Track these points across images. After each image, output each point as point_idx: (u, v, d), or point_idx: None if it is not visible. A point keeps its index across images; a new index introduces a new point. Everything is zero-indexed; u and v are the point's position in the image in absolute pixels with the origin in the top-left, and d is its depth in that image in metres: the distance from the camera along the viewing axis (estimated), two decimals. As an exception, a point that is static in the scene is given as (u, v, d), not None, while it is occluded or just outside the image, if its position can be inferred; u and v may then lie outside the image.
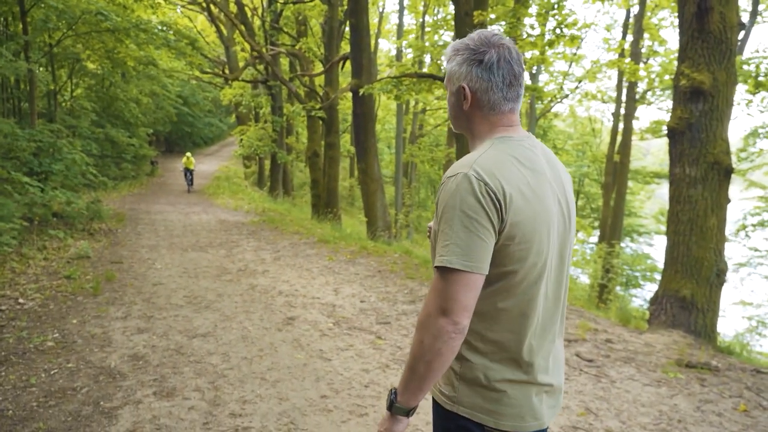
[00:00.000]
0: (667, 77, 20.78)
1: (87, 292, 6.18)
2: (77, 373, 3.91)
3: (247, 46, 22.62)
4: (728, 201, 5.58)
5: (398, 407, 1.39)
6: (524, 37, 10.32)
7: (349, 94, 14.49)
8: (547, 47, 8.92)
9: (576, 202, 31.23)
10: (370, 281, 7.37)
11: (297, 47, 13.16)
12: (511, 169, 1.34)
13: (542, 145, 1.50)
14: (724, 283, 5.62)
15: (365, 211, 11.85)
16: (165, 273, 7.44)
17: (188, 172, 19.51)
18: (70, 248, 8.46)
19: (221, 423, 3.27)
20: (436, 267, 1.32)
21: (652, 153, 37.12)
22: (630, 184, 23.98)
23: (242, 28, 14.13)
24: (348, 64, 13.14)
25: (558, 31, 8.87)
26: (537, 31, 10.63)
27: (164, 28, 13.53)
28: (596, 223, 27.36)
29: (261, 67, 18.72)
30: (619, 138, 18.32)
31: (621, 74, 18.67)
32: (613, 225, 16.75)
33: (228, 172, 25.58)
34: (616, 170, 18.29)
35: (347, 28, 13.48)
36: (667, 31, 36.23)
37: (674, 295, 5.64)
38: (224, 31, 21.10)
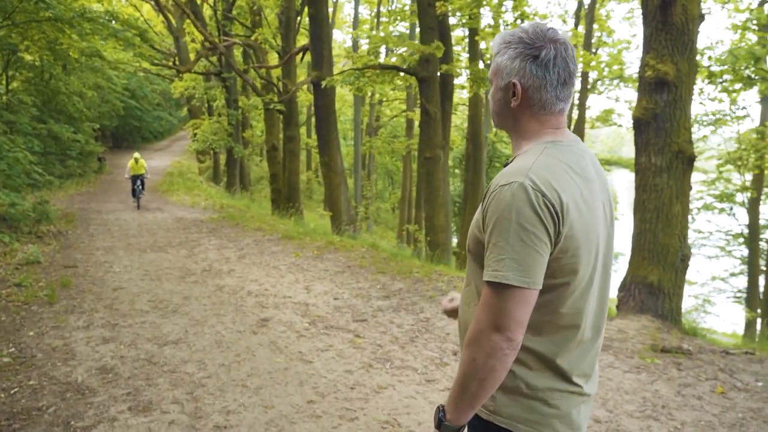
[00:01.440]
0: (616, 67, 21.47)
1: (42, 300, 5.81)
2: (41, 391, 3.65)
3: (199, 37, 21.88)
4: (690, 188, 5.76)
5: (447, 426, 1.33)
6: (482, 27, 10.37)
7: (306, 87, 14.26)
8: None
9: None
10: (341, 277, 7.26)
11: (253, 38, 12.77)
12: (566, 179, 1.27)
13: (587, 148, 1.44)
14: (688, 267, 5.81)
15: (329, 206, 11.69)
16: (125, 276, 7.09)
17: (138, 180, 14.20)
18: (17, 253, 7.94)
19: (206, 437, 3.11)
20: (488, 282, 1.24)
21: (600, 140, 38.35)
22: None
23: (193, 17, 13.59)
24: (306, 55, 12.88)
25: (519, 22, 8.94)
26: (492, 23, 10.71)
27: (110, 18, 12.85)
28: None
29: (214, 59, 18.12)
30: (571, 127, 18.75)
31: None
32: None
33: (181, 168, 24.72)
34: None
35: (305, 19, 13.18)
36: (613, 22, 37.42)
37: (642, 282, 5.79)
38: (173, 21, 20.29)
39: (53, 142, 17.45)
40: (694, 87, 6.25)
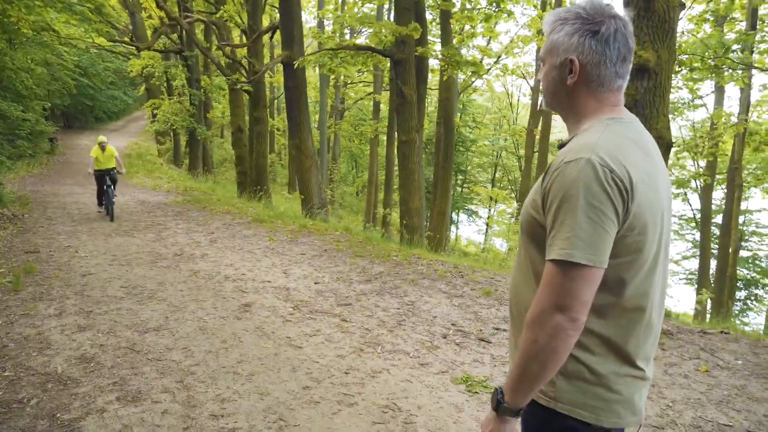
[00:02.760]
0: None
1: (5, 287, 5.49)
2: (18, 383, 3.44)
3: (155, 13, 21.00)
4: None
5: (507, 408, 1.29)
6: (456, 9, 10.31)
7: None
8: (483, 22, 8.95)
9: (494, 175, 32.48)
10: (319, 261, 7.16)
11: (218, 15, 12.31)
12: (633, 155, 1.24)
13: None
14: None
15: (300, 189, 11.48)
16: (92, 262, 6.78)
17: (105, 177, 9.93)
18: (-29, 238, 7.48)
19: (203, 426, 3.01)
20: (553, 260, 1.21)
21: (560, 126, 38.94)
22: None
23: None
24: (271, 34, 12.52)
25: (495, 6, 8.92)
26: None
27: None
28: (512, 195, 28.56)
29: (175, 36, 17.41)
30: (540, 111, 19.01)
31: (540, 50, 19.32)
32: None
33: (139, 150, 23.78)
34: (536, 143, 19.05)
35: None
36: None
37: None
38: (129, -5, 19.38)
39: (0, 121, 16.48)
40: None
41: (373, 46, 9.27)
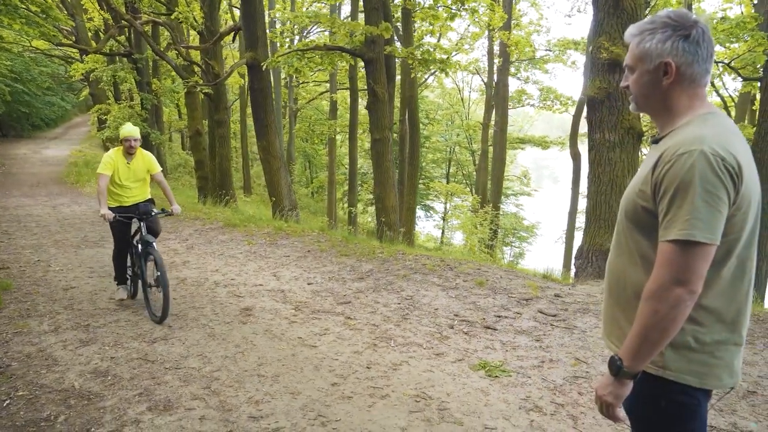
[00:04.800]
0: (527, 49, 22.56)
1: (-15, 306, 5.22)
2: (37, 401, 3.33)
3: (97, 15, 20.14)
4: (638, 161, 6.29)
5: (627, 372, 1.45)
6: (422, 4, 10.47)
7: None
8: (449, 20, 9.17)
9: (448, 170, 33.00)
10: (305, 262, 7.17)
11: (173, 17, 11.99)
12: (737, 143, 1.42)
13: None
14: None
15: (269, 191, 11.37)
16: (69, 275, 6.52)
17: (139, 219, 5.03)
18: (-71, 257, 7.03)
19: (246, 428, 3.02)
20: (672, 240, 1.37)
21: (520, 121, 39.77)
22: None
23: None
24: (234, 36, 12.32)
25: (459, 5, 9.15)
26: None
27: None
28: (468, 189, 29.17)
29: (122, 39, 16.79)
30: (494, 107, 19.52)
31: (492, 46, 19.83)
32: (495, 190, 17.97)
33: (86, 157, 22.70)
34: (491, 138, 19.56)
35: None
36: (523, 5, 38.96)
37: (599, 249, 6.28)
38: (69, -4, 18.52)
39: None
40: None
41: (343, 46, 9.33)
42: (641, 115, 6.17)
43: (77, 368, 3.82)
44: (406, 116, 12.63)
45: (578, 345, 4.22)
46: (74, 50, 20.68)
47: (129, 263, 5.43)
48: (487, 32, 18.98)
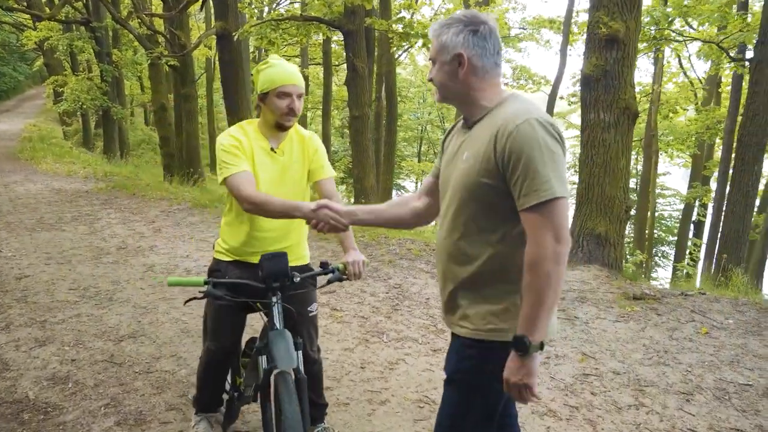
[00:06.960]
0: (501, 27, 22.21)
1: (-74, 299, 4.67)
2: (-16, 416, 2.89)
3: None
4: (632, 143, 6.08)
5: (535, 346, 1.45)
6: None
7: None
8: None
9: (419, 148, 32.69)
10: (283, 247, 6.76)
11: (135, -19, 11.15)
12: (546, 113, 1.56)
13: None
14: (629, 218, 6.19)
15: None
16: (23, 262, 5.96)
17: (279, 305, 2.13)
18: None
19: (232, 445, 2.66)
20: (538, 203, 1.41)
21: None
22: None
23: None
24: (202, 4, 11.58)
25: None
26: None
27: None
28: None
29: (80, 5, 15.70)
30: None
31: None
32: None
33: (41, 132, 21.46)
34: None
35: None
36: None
37: (590, 233, 6.07)
38: (19, -42, 17.14)
39: None
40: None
41: (319, 17, 8.79)
42: (636, 94, 5.92)
43: (32, 374, 3.37)
44: (383, 93, 12.20)
45: (582, 338, 3.99)
46: (26, 16, 19.28)
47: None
48: (463, 8, 18.54)
